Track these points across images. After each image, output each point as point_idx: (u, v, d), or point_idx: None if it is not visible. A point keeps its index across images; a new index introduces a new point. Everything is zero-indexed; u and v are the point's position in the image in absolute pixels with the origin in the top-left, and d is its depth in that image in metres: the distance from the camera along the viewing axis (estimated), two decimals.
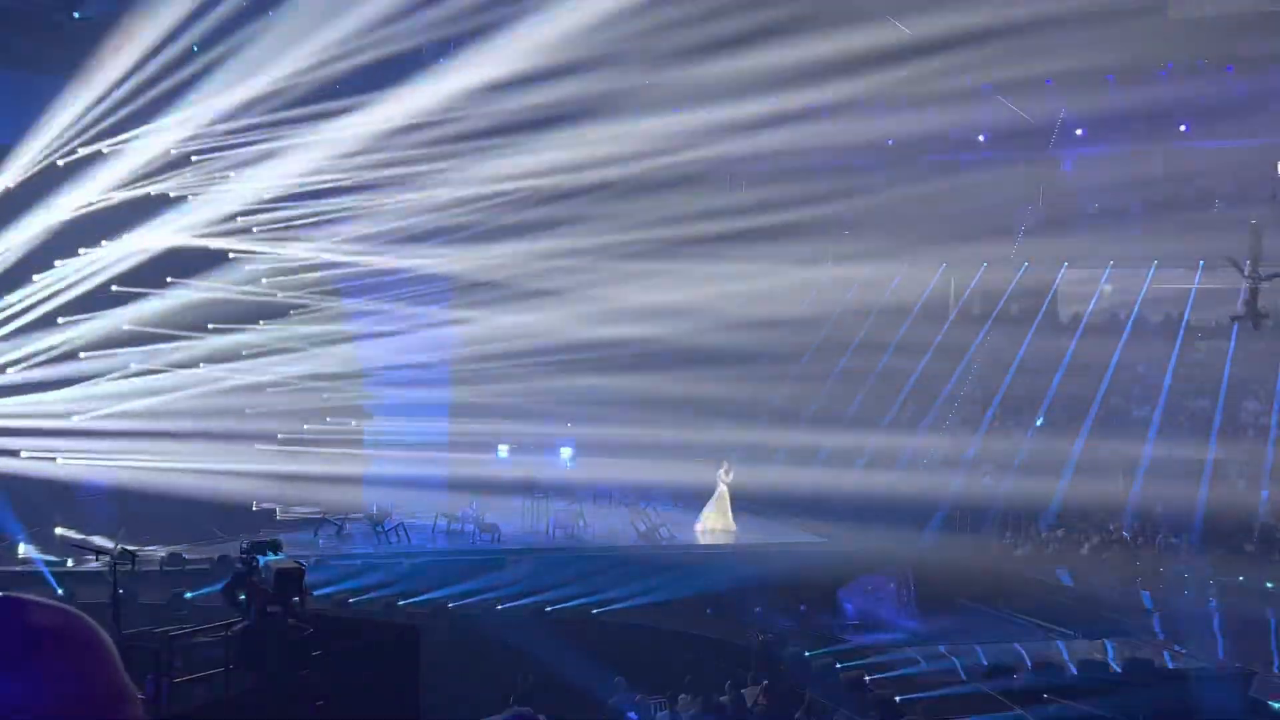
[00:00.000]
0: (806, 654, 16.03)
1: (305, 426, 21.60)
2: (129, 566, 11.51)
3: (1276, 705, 14.53)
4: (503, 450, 26.28)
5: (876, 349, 28.31)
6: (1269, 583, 20.33)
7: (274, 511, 20.16)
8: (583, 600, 16.93)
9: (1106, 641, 17.78)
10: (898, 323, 28.83)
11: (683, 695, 14.46)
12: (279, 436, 20.98)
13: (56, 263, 20.36)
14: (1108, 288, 30.25)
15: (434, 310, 24.22)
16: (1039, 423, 26.95)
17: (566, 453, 26.66)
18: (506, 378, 23.92)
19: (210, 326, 21.01)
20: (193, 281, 21.06)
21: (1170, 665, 16.55)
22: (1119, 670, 15.89)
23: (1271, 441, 24.49)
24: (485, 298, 24.66)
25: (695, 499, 23.00)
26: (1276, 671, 16.61)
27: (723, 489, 22.70)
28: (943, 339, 28.99)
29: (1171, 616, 19.34)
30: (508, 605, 16.52)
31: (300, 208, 22.33)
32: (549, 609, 16.64)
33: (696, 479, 22.87)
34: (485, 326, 24.16)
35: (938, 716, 13.36)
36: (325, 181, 22.00)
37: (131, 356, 20.62)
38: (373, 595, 16.43)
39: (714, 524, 22.56)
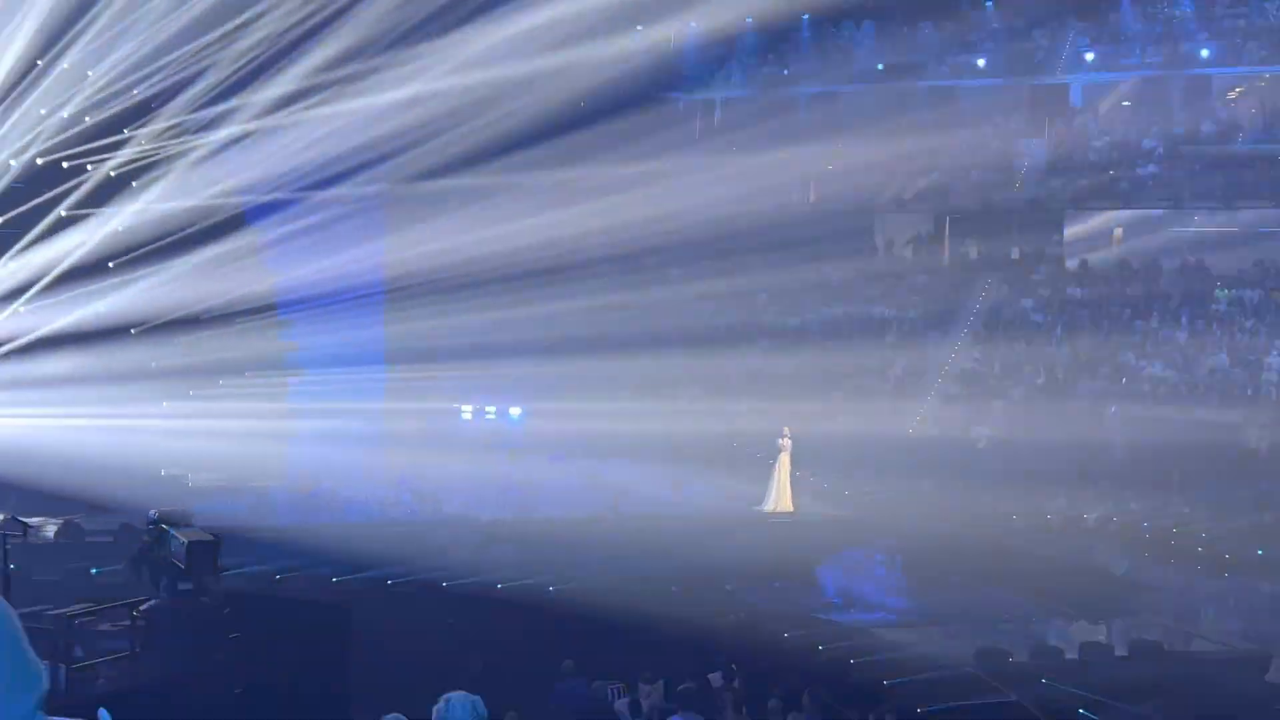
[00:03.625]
0: (783, 635, 15.25)
1: (221, 382, 20.50)
2: (20, 538, 11.00)
3: None
4: (466, 411, 25.12)
5: None
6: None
7: (185, 478, 19.01)
8: (536, 578, 16.07)
9: (1111, 622, 17.38)
10: None
11: (644, 682, 13.44)
12: (190, 393, 19.93)
13: None
14: None
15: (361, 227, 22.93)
16: None
17: (516, 412, 25.40)
18: (448, 306, 22.59)
19: (111, 265, 20.02)
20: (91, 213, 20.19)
21: (1180, 648, 16.16)
22: (1124, 653, 15.37)
23: None
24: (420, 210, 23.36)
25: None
26: None
27: (784, 460, 20.75)
28: None
29: (1182, 594, 18.84)
30: (453, 583, 15.67)
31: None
32: (499, 586, 15.80)
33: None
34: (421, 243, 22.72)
35: (926, 702, 12.69)
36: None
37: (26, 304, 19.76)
38: (299, 572, 15.47)
39: (777, 504, 20.64)
